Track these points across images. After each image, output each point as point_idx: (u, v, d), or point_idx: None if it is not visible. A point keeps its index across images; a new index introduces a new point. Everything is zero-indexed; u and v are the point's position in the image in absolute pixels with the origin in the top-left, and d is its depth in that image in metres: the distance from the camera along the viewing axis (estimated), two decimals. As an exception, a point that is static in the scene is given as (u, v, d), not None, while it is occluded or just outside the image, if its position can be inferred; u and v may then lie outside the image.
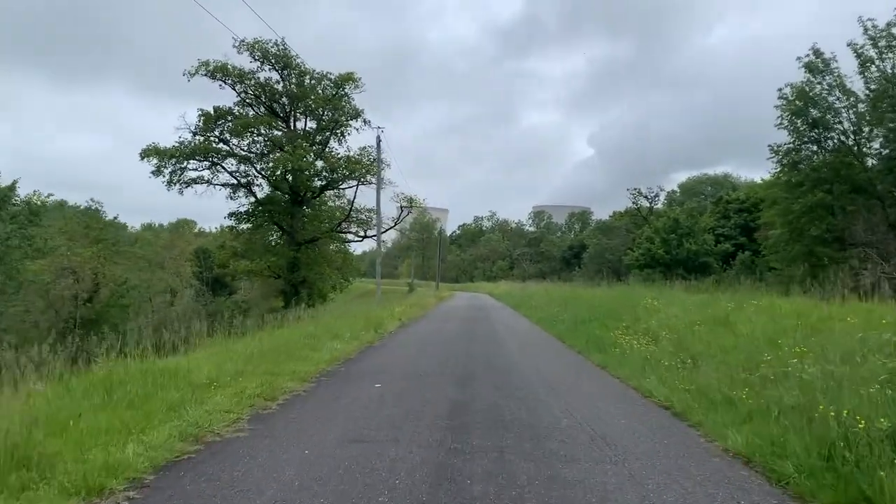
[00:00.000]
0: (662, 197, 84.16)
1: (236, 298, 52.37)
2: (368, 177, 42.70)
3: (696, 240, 54.62)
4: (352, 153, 41.93)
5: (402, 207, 43.78)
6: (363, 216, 44.28)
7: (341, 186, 43.28)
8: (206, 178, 39.30)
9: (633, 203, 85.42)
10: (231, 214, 40.85)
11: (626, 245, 78.16)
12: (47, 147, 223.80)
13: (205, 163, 39.64)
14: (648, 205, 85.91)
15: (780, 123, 33.91)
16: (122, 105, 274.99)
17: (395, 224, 44.22)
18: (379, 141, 34.72)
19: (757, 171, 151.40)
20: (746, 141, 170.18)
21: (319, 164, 41.76)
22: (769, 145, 34.65)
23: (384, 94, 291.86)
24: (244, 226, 41.68)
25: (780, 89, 33.80)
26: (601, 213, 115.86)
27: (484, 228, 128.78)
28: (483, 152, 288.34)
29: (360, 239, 47.15)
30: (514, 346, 17.40)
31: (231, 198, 40.44)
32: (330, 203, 44.98)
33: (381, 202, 39.72)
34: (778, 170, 34.41)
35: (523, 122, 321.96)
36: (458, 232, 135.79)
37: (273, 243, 43.05)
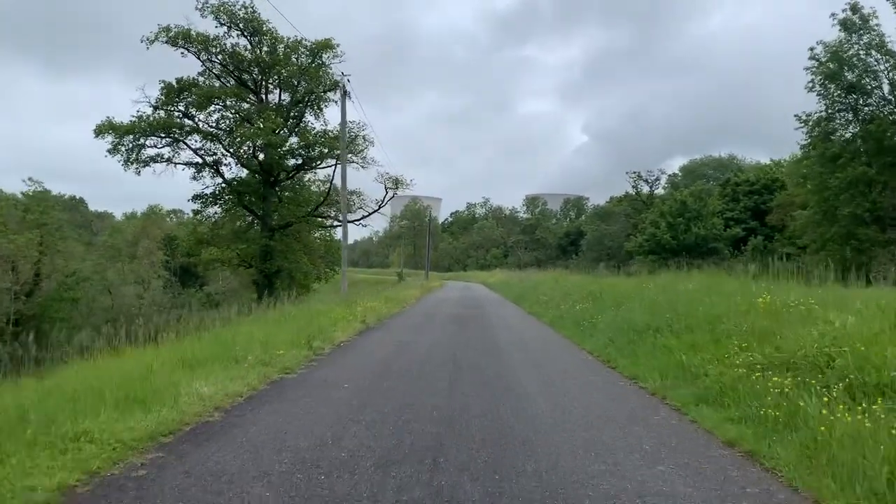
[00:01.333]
0: (663, 181, 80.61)
1: (210, 290, 48.28)
2: (351, 156, 38.59)
3: (704, 224, 50.84)
4: (329, 128, 37.76)
5: (387, 189, 39.75)
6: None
7: (319, 166, 39.20)
8: (165, 157, 35.09)
9: (633, 187, 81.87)
10: (195, 197, 36.75)
11: (626, 231, 74.56)
12: (43, 137, 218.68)
13: (165, 139, 35.41)
14: (649, 189, 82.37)
15: (811, 88, 29.98)
16: (115, 94, 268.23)
17: (380, 207, 40.27)
18: (345, 92, 30.25)
19: (756, 155, 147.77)
20: (744, 127, 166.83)
21: (294, 140, 37.67)
22: (796, 115, 30.75)
23: (380, 83, 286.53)
24: (211, 210, 37.56)
25: (811, 49, 29.87)
26: (597, 201, 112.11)
27: (477, 216, 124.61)
28: (477, 141, 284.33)
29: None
30: (540, 389, 8.92)
31: (195, 178, 36.28)
32: (310, 186, 40.88)
33: (362, 181, 35.72)
34: (808, 142, 30.47)
35: (518, 110, 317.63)
36: (450, 219, 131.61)
37: (243, 229, 38.97)
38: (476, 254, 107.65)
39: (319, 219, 40.67)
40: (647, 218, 54.88)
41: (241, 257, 37.70)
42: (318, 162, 39.04)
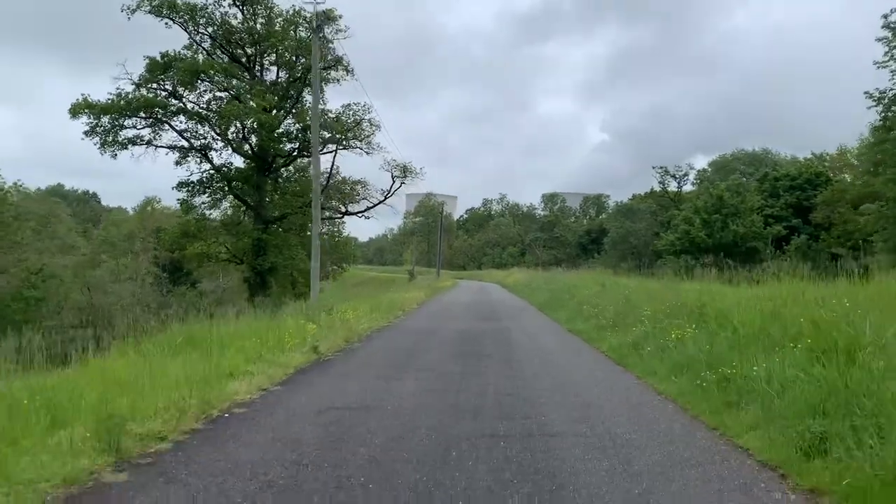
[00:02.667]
0: (692, 176, 75.95)
1: (205, 289, 44.64)
2: (354, 141, 34.79)
3: (743, 221, 46.41)
4: (329, 107, 33.89)
5: (394, 178, 35.82)
6: (346, 188, 36.39)
7: (321, 151, 35.21)
8: (145, 139, 31.37)
9: (660, 183, 77.36)
10: (181, 185, 32.98)
11: (653, 229, 70.17)
12: (65, 133, 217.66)
13: (147, 120, 31.71)
14: (677, 185, 77.77)
15: (885, 63, 25.58)
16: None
17: (387, 197, 36.31)
18: (319, 25, 23.18)
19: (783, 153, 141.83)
20: (769, 125, 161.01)
21: (290, 122, 33.89)
22: (866, 92, 26.36)
23: (399, 83, 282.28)
24: (199, 200, 33.81)
25: (884, 16, 25.48)
26: (617, 200, 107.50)
27: (493, 212, 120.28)
28: (495, 140, 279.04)
29: (340, 216, 39.30)
30: None
31: (179, 164, 32.54)
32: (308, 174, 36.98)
33: (368, 171, 31.63)
34: (881, 122, 26.08)
35: (537, 109, 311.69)
36: (465, 216, 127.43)
37: (234, 221, 35.21)
38: (492, 252, 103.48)
39: (323, 210, 36.46)
40: (680, 215, 50.46)
41: (231, 252, 33.99)
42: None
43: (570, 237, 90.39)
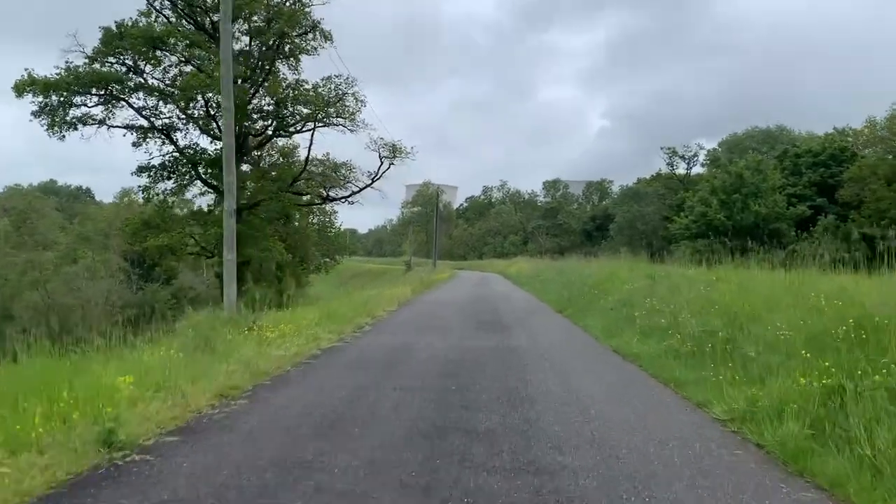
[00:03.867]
0: (701, 157, 72.15)
1: (184, 284, 41.09)
2: (338, 119, 31.07)
3: (765, 201, 42.72)
4: (305, 80, 30.15)
5: (382, 158, 32.09)
6: (328, 171, 32.68)
7: (297, 130, 31.55)
8: (97, 118, 27.67)
9: (668, 164, 73.56)
10: (140, 169, 29.33)
11: (661, 213, 66.51)
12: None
13: (100, 97, 28.03)
14: (686, 166, 73.98)
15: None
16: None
17: (374, 180, 32.57)
18: None
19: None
20: (775, 109, 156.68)
21: (262, 97, 30.16)
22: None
23: (399, 72, 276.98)
24: (164, 186, 30.14)
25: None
26: (621, 185, 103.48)
27: (494, 200, 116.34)
28: (496, 129, 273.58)
29: (321, 202, 35.61)
30: None
31: (136, 145, 28.87)
32: (289, 158, 33.35)
33: (354, 152, 27.89)
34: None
35: (539, 97, 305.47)
36: (465, 205, 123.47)
37: (206, 210, 31.56)
38: (493, 241, 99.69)
39: (299, 195, 32.75)
40: (695, 195, 46.73)
41: (199, 244, 30.36)
42: (296, 126, 31.46)
43: (574, 224, 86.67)
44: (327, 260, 62.61)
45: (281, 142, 33.37)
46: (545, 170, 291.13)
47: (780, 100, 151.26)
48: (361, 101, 31.82)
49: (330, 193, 33.60)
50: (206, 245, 30.20)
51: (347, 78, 31.57)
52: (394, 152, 31.70)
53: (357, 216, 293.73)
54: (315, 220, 63.57)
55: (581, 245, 79.41)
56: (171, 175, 30.08)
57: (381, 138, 31.74)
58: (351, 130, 31.00)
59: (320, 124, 30.51)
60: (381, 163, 32.04)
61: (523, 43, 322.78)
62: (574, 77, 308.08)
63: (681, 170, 73.24)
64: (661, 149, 71.30)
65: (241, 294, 30.65)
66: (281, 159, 33.35)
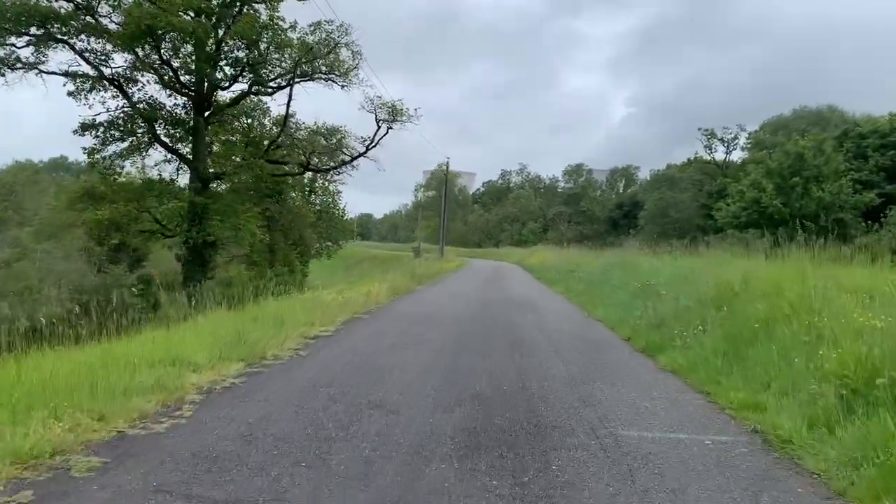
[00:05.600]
0: (742, 139, 65.86)
1: (149, 272, 35.89)
2: (323, 69, 25.57)
3: (829, 186, 36.70)
4: (281, 17, 24.57)
5: (379, 122, 26.52)
6: (314, 136, 27.12)
7: (281, 85, 26.02)
8: (24, 60, 22.36)
9: (706, 147, 67.30)
10: (84, 128, 24.03)
11: (697, 200, 60.46)
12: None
13: (30, 37, 22.72)
14: (725, 150, 67.71)
15: None
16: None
17: (369, 148, 27.10)
18: None
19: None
20: (808, 96, 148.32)
21: (235, 46, 24.67)
22: None
23: (422, 58, 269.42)
24: (114, 148, 24.87)
25: None
26: (646, 174, 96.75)
27: (512, 185, 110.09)
28: (519, 116, 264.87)
29: (299, 172, 30.08)
30: None
31: (73, 95, 23.51)
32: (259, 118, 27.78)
33: (349, 117, 22.46)
34: None
35: (563, 84, 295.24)
36: (482, 189, 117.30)
37: (167, 180, 26.28)
38: (510, 228, 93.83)
39: (274, 164, 27.23)
40: (745, 179, 40.71)
41: (155, 220, 25.10)
42: (278, 81, 25.97)
43: (599, 211, 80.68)
44: (329, 244, 57.56)
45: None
46: (567, 159, 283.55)
47: (811, 87, 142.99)
48: (358, 54, 26.31)
49: (314, 162, 27.83)
50: (163, 221, 24.97)
51: (341, 25, 26.01)
52: (393, 114, 26.14)
53: (374, 201, 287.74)
54: (317, 200, 58.74)
55: (606, 234, 73.67)
56: (124, 135, 24.76)
57: (379, 97, 26.20)
58: (342, 86, 25.49)
59: (303, 78, 24.99)
60: (378, 127, 26.53)
61: (546, 30, 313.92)
62: (597, 64, 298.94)
63: (719, 154, 67.36)
64: (699, 129, 65.15)
65: (209, 278, 25.38)
66: (257, 122, 27.85)
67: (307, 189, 58.18)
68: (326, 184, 58.59)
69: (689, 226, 58.32)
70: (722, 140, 65.49)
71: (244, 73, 24.65)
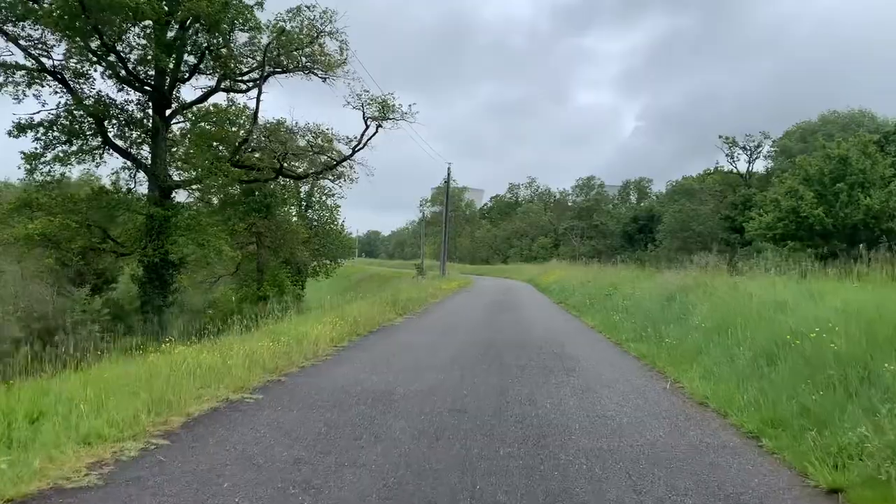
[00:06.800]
0: (766, 148, 62.04)
1: (120, 295, 32.47)
2: (303, 60, 22.04)
3: (877, 193, 32.76)
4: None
5: (367, 120, 22.87)
6: (287, 136, 23.45)
7: (255, 80, 22.46)
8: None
9: (728, 156, 63.48)
10: (20, 128, 20.50)
11: (720, 211, 56.51)
12: None
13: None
14: (747, 159, 63.86)
15: None
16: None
17: (355, 150, 23.49)
18: None
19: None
20: (819, 111, 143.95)
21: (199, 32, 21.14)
22: None
23: (432, 75, 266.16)
24: (56, 152, 21.30)
25: None
26: (659, 187, 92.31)
27: (521, 199, 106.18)
28: (528, 132, 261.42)
29: (272, 177, 26.18)
30: None
31: (6, 89, 20.01)
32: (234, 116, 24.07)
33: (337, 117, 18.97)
34: None
35: (573, 100, 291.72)
36: (489, 204, 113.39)
37: (122, 189, 22.70)
38: (519, 243, 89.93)
39: (242, 168, 23.51)
40: (782, 185, 36.78)
41: (106, 235, 21.45)
42: (248, 76, 22.44)
43: (613, 225, 76.75)
44: (327, 262, 53.92)
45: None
46: (576, 174, 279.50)
47: (825, 101, 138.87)
48: (344, 43, 22.75)
49: (293, 166, 24.15)
50: (113, 237, 21.36)
51: (325, 11, 22.52)
52: (384, 111, 22.48)
53: (383, 219, 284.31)
54: (314, 216, 55.19)
55: (620, 249, 69.74)
56: (70, 138, 21.24)
57: (367, 91, 22.61)
58: (323, 79, 21.92)
59: (278, 70, 21.45)
60: (367, 126, 22.87)
61: (557, 46, 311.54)
62: (606, 80, 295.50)
63: (740, 164, 63.49)
64: (720, 137, 61.36)
65: (169, 305, 21.74)
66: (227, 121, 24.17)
67: (303, 203, 54.88)
68: (324, 198, 55.40)
69: (711, 239, 54.44)
70: (744, 148, 61.76)
71: (206, 62, 21.08)
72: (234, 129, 22.37)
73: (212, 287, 41.20)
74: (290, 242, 40.36)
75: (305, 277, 52.92)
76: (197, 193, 23.62)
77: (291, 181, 47.49)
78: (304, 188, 54.12)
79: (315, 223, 52.94)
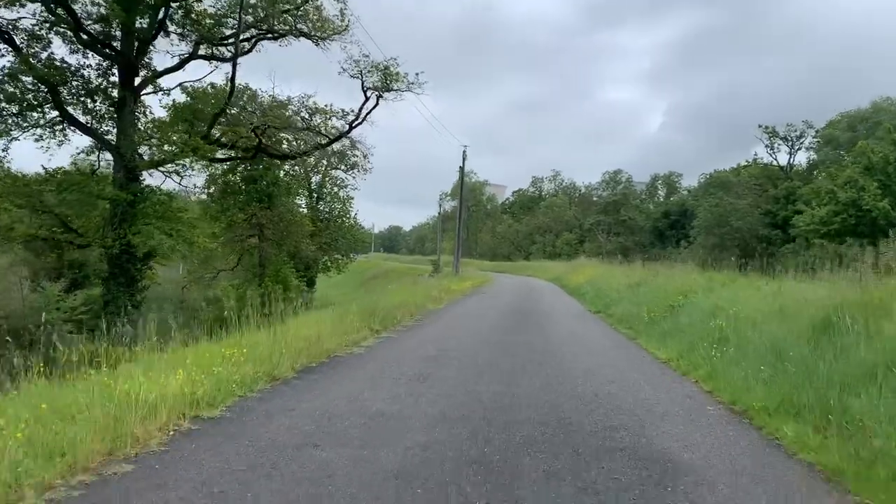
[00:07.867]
0: (808, 139, 57.77)
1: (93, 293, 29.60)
2: (285, 16, 18.86)
3: (952, 183, 28.89)
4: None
5: (367, 91, 19.63)
6: (274, 109, 20.27)
7: (225, 51, 19.34)
8: None
9: (768, 148, 59.35)
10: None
11: (760, 206, 52.42)
12: None
13: None
14: (789, 150, 59.66)
15: None
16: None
17: (353, 126, 20.19)
18: None
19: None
20: (851, 106, 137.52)
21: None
22: None
23: (456, 72, 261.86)
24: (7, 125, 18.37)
25: None
26: (689, 182, 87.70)
27: (545, 193, 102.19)
28: (553, 128, 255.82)
29: (250, 156, 22.68)
30: None
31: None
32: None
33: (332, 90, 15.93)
34: None
35: (599, 96, 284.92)
36: (511, 198, 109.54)
37: (80, 171, 19.76)
38: (542, 239, 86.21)
39: (215, 146, 20.32)
40: (838, 178, 32.85)
41: (63, 223, 18.49)
42: (229, 39, 19.30)
43: (642, 221, 72.81)
44: (339, 257, 50.90)
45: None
46: (601, 169, 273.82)
47: (857, 94, 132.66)
48: (346, 8, 19.47)
49: (276, 142, 20.94)
50: (72, 226, 18.39)
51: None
52: (386, 80, 19.16)
53: (405, 214, 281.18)
54: (325, 208, 52.19)
55: (650, 246, 65.85)
56: (23, 109, 18.30)
57: (366, 56, 19.33)
58: (316, 42, 18.64)
59: (262, 32, 18.27)
60: (367, 97, 19.59)
61: (582, 41, 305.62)
62: (633, 75, 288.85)
63: (786, 153, 59.29)
64: (759, 127, 57.31)
65: (135, 305, 18.91)
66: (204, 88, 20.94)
67: (314, 195, 51.87)
68: (336, 189, 52.27)
69: (751, 235, 50.51)
70: (785, 139, 57.55)
71: (174, 17, 17.97)
72: (212, 101, 19.24)
73: (211, 283, 38.50)
74: (295, 235, 37.36)
75: (316, 273, 49.98)
76: (176, 177, 20.52)
77: (300, 168, 44.95)
78: (315, 178, 51.42)
79: (326, 216, 49.97)
